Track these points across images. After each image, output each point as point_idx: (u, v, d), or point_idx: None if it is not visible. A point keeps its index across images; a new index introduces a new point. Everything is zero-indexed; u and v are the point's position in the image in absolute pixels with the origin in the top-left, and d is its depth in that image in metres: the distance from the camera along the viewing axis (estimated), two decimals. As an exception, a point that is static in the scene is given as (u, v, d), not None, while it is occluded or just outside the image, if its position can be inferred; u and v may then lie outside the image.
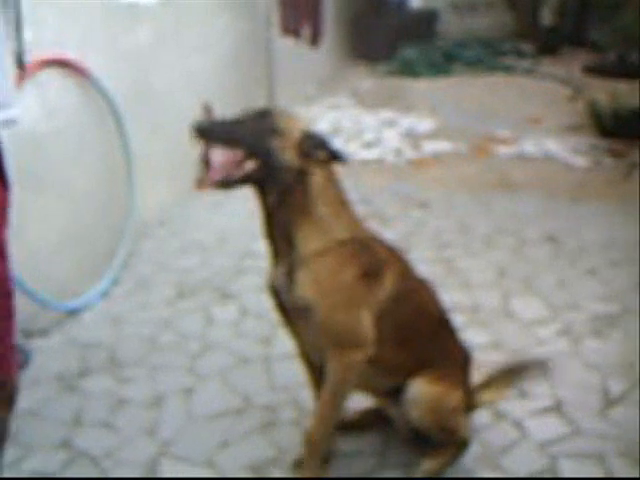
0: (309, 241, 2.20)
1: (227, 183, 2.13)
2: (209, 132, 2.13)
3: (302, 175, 2.16)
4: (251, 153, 2.12)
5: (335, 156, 2.18)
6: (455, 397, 2.41)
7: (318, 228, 2.20)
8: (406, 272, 2.39)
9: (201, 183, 2.16)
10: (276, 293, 2.30)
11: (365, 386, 2.45)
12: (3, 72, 1.44)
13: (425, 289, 2.46)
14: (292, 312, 2.28)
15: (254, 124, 2.15)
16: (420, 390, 2.37)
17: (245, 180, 2.14)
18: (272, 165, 2.12)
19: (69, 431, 2.74)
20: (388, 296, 2.28)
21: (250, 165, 2.12)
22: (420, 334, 2.40)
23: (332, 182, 2.24)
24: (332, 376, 2.28)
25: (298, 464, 2.51)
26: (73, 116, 3.55)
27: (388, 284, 2.28)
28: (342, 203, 2.27)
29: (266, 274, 2.32)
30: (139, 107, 4.07)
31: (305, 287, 2.20)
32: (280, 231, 2.21)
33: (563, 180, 4.98)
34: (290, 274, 2.22)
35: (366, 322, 2.25)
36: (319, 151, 2.17)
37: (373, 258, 2.28)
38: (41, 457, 2.61)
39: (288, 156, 2.14)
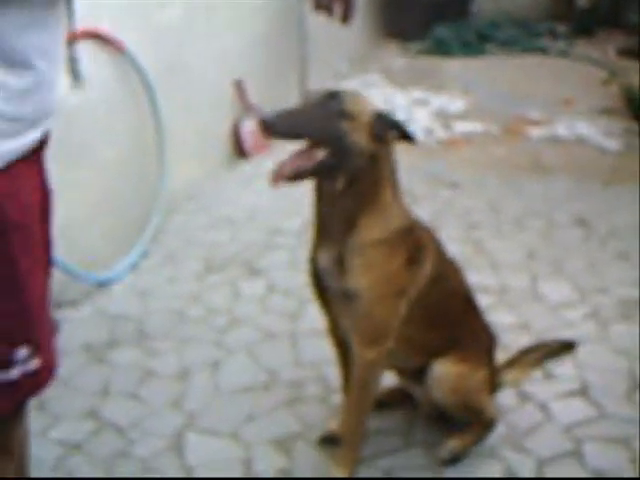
0: (371, 229, 2.12)
1: (299, 176, 2.03)
2: (276, 126, 1.96)
3: (374, 159, 2.07)
4: (321, 141, 2.02)
5: (406, 136, 2.10)
6: (478, 377, 2.41)
7: (383, 215, 2.13)
8: (441, 253, 2.37)
9: (275, 176, 1.99)
10: (317, 275, 2.25)
11: (392, 365, 2.45)
12: (51, 85, 1.45)
13: (455, 269, 2.45)
14: (334, 296, 2.23)
15: (321, 109, 2.02)
16: (443, 370, 2.37)
17: (317, 170, 2.03)
18: (344, 151, 2.02)
19: (96, 401, 2.78)
20: (427, 280, 2.26)
21: (321, 154, 2.02)
22: (449, 315, 2.40)
23: (395, 165, 2.16)
24: (357, 373, 2.27)
25: (323, 440, 2.54)
26: (106, 90, 3.56)
27: (428, 268, 2.26)
28: (398, 187, 2.19)
29: (309, 254, 2.25)
30: (171, 82, 4.08)
31: (358, 276, 2.14)
32: (340, 217, 2.12)
33: (595, 163, 4.93)
34: (341, 260, 2.15)
35: (400, 315, 2.24)
36: (390, 132, 2.08)
37: (416, 243, 2.24)
38: (68, 426, 2.65)
39: (360, 139, 2.03)
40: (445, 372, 2.37)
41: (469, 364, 2.38)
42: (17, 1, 1.30)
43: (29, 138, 1.41)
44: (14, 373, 1.45)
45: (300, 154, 2.03)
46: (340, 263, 2.16)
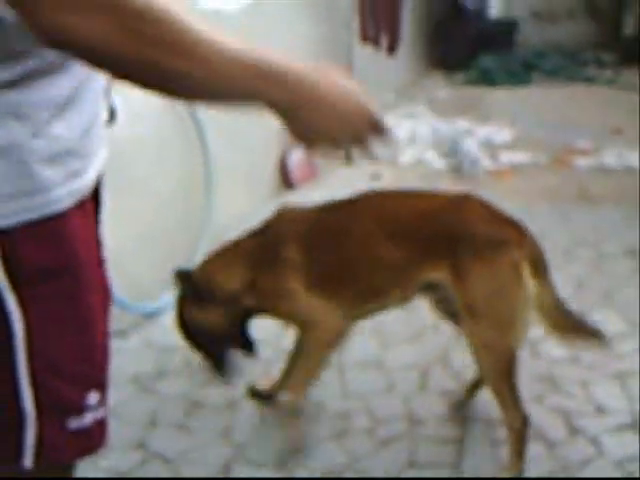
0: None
1: None
2: None
3: None
4: None
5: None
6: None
7: None
8: (310, 231, 2.58)
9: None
10: None
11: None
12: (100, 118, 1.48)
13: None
14: None
15: None
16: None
17: None
18: None
19: (144, 432, 2.79)
20: (300, 260, 2.51)
21: None
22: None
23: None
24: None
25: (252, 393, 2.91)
26: (154, 121, 3.60)
27: (295, 257, 2.52)
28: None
29: None
30: (219, 113, 4.10)
31: None
32: None
33: (644, 193, 4.88)
34: None
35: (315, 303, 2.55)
36: None
37: (270, 252, 2.61)
38: (117, 456, 2.65)
39: None
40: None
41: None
42: None
43: (92, 174, 1.39)
44: (87, 418, 1.38)
45: None
46: None
